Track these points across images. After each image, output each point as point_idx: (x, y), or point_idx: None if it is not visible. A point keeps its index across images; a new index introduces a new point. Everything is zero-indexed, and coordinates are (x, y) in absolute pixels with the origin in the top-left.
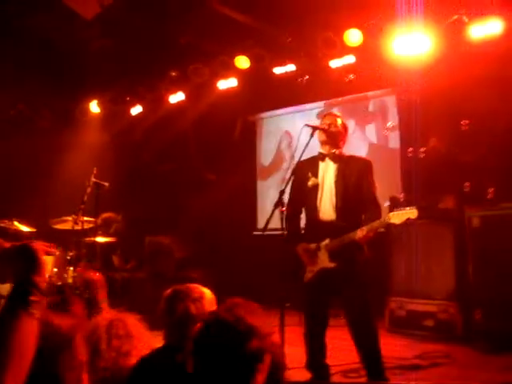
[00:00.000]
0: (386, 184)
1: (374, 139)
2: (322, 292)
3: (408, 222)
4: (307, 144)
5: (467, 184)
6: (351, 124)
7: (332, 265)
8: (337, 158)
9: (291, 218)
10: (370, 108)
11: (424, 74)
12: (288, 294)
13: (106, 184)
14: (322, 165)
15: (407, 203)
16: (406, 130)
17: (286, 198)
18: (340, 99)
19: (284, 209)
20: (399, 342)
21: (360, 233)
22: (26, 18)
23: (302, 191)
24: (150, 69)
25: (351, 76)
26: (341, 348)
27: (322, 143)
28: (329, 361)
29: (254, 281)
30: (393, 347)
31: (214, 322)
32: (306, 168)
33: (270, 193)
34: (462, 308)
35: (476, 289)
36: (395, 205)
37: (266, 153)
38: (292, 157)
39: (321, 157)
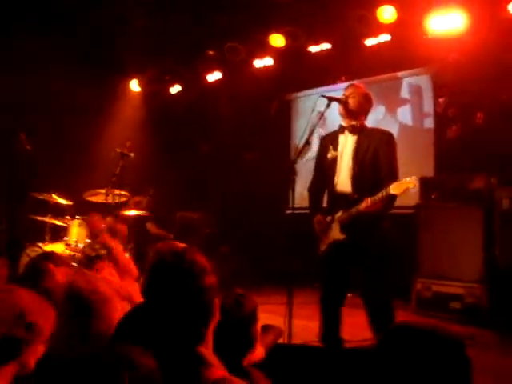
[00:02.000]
0: (418, 165)
1: (407, 121)
2: (335, 264)
3: (436, 204)
4: (322, 115)
5: None
6: (381, 109)
7: (342, 236)
8: (356, 130)
9: (313, 191)
10: (403, 93)
11: (460, 50)
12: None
13: (132, 154)
14: (341, 137)
15: (438, 184)
16: (441, 109)
17: (297, 167)
18: (371, 78)
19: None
20: None
21: (364, 204)
22: None
23: (323, 165)
24: (188, 48)
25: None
26: (358, 324)
27: (341, 115)
28: (345, 336)
29: (278, 257)
30: None
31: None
32: (328, 142)
33: (302, 172)
34: (490, 291)
35: (504, 272)
36: (425, 185)
37: (300, 132)
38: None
39: (341, 130)
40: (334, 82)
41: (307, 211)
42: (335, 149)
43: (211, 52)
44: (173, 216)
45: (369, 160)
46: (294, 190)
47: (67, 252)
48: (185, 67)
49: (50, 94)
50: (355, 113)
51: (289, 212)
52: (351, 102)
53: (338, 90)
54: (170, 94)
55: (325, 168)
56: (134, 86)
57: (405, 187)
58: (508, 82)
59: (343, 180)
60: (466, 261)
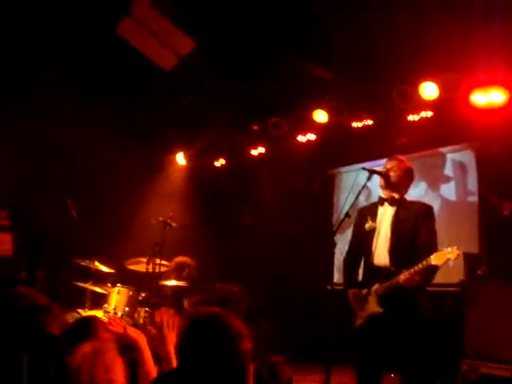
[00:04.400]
0: (461, 241)
1: (451, 197)
2: (372, 339)
3: (482, 282)
4: (363, 187)
5: None
6: (423, 186)
7: (380, 310)
8: (396, 203)
9: (349, 264)
10: (446, 170)
11: (504, 126)
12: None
13: (174, 224)
14: (380, 209)
15: (484, 260)
16: (485, 184)
17: (337, 239)
18: (413, 155)
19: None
20: None
21: (403, 276)
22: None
23: (360, 236)
24: (233, 122)
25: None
26: None
27: (381, 188)
28: None
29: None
30: None
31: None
32: (366, 213)
33: (346, 247)
34: None
35: None
36: (470, 261)
37: (342, 206)
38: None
39: (380, 201)
40: (377, 158)
41: None
42: (373, 220)
43: (255, 127)
44: (212, 288)
45: (407, 232)
46: (333, 263)
47: (105, 319)
48: (229, 141)
49: (97, 163)
50: (396, 186)
51: (329, 288)
52: (392, 175)
53: (381, 165)
54: (214, 167)
55: (362, 239)
56: (180, 159)
57: (446, 258)
58: None
59: (381, 252)
60: None
